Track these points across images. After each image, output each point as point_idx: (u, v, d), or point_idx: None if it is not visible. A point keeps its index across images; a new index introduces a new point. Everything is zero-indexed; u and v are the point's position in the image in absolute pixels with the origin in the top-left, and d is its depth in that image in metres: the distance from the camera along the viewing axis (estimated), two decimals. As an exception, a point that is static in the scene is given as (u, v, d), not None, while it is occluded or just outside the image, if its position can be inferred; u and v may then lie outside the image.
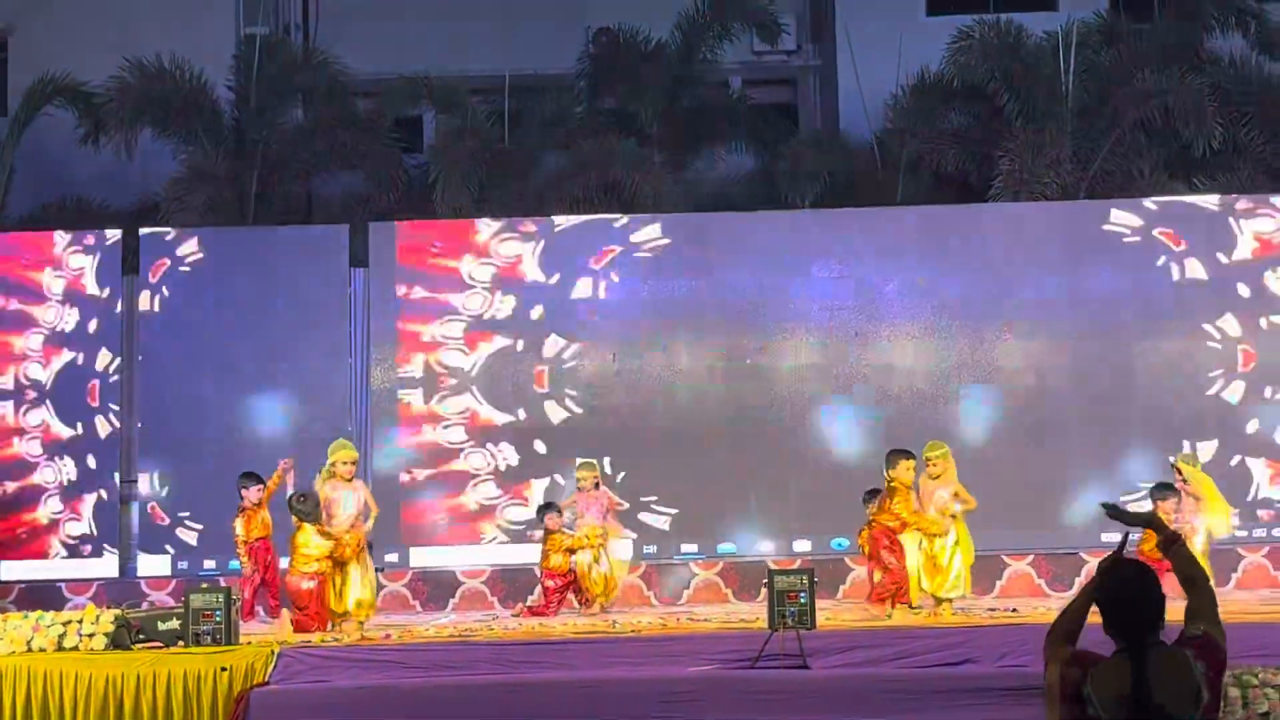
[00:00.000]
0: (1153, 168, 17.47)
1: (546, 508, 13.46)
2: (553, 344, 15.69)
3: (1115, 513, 5.24)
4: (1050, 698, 4.67)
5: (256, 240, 16.26)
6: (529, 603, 13.71)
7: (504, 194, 17.44)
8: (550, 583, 13.19)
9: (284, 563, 13.36)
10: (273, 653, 9.69)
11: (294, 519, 11.73)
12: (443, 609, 14.82)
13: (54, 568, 15.07)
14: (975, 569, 12.52)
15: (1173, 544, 4.97)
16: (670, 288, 15.83)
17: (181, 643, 10.00)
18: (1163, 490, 12.67)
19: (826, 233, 16.07)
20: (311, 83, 18.54)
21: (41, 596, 14.44)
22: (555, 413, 15.55)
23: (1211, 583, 4.91)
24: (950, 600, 11.84)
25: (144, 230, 16.07)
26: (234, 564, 13.88)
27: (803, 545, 15.21)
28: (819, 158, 18.20)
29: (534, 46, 19.32)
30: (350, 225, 16.22)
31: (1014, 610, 11.41)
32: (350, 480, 12.12)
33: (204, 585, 11.40)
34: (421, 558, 15.16)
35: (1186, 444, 14.73)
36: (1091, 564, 14.54)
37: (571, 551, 13.14)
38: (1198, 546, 12.59)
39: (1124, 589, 4.68)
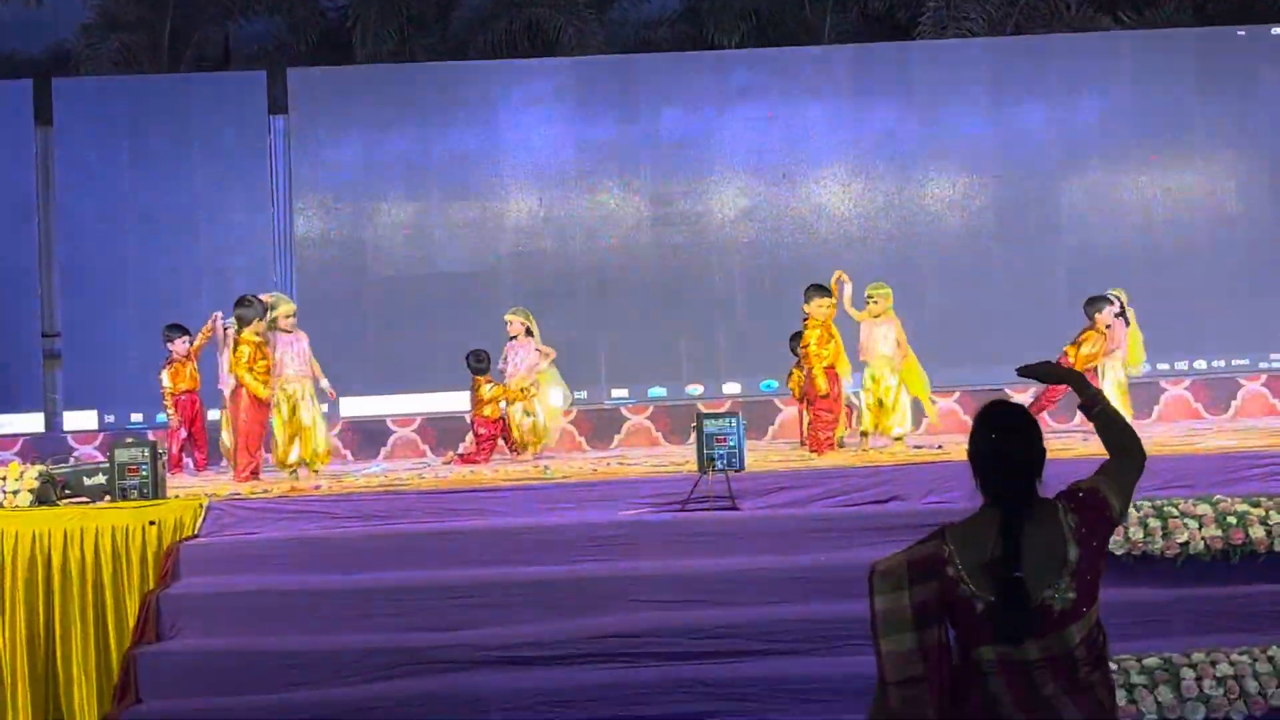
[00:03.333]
0: (1079, 2, 17.35)
1: (474, 355, 13.38)
2: (479, 190, 15.53)
3: (1029, 371, 4.73)
4: (892, 606, 4.16)
5: (171, 88, 15.84)
6: (460, 450, 13.71)
7: (425, 37, 17.12)
8: (481, 430, 13.18)
9: (213, 415, 13.41)
10: (201, 505, 9.63)
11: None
12: (374, 458, 14.81)
13: (-23, 424, 14.93)
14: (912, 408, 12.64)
15: (1095, 405, 4.53)
16: (596, 132, 15.68)
17: (109, 497, 9.93)
18: (1097, 303, 12.80)
19: (753, 74, 15.90)
20: (225, -78, 18.01)
21: (-34, 454, 14.33)
22: (482, 259, 15.45)
23: (1143, 451, 4.44)
24: (900, 438, 12.03)
25: (56, 80, 15.67)
26: (161, 417, 13.80)
27: (732, 388, 15.30)
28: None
29: (453, -122, 18.79)
30: (268, 72, 15.86)
31: (940, 447, 11.51)
32: (292, 331, 12.06)
33: (129, 439, 11.28)
34: (352, 407, 15.09)
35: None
36: (1017, 399, 14.73)
37: (503, 401, 13.14)
38: (1118, 377, 12.78)
39: (995, 433, 4.22)
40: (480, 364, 13.28)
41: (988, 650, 4.07)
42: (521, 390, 13.09)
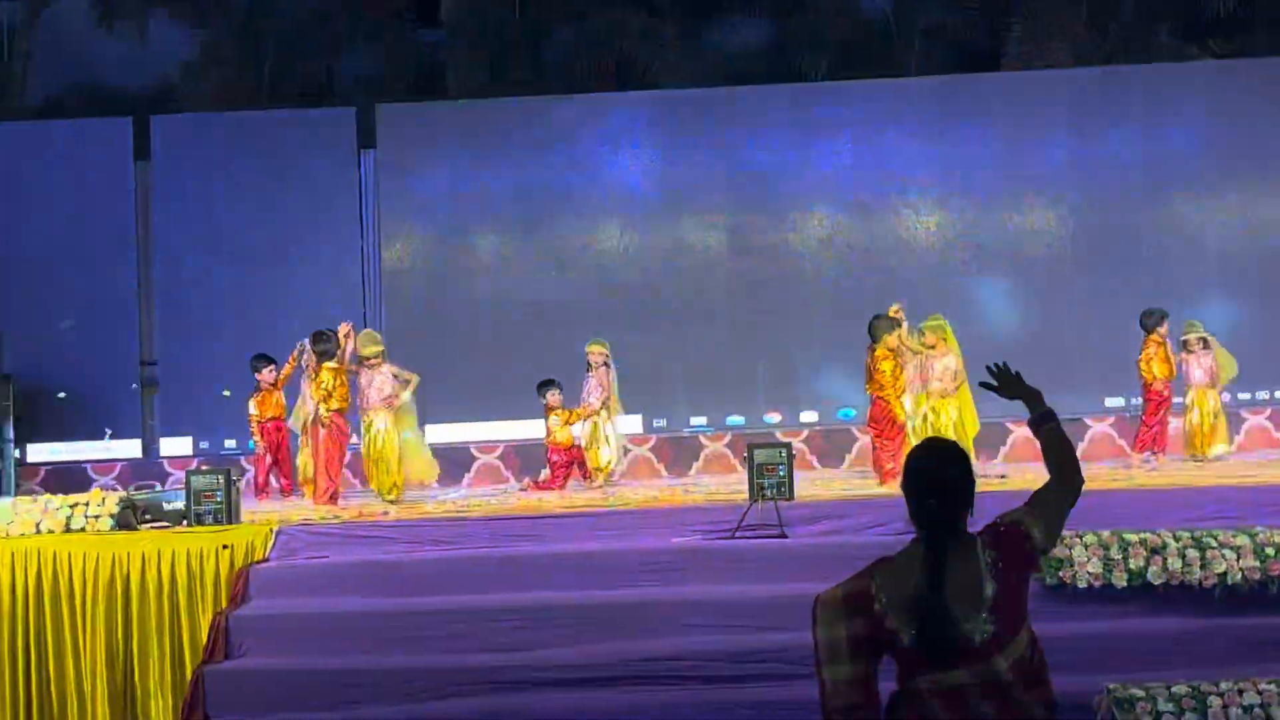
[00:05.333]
0: (1169, 32, 17.30)
1: (547, 385, 13.61)
2: (563, 222, 15.86)
3: (990, 381, 4.87)
4: (831, 637, 4.25)
5: (265, 124, 16.34)
6: (539, 478, 13.95)
7: (514, 72, 17.46)
8: (554, 457, 13.46)
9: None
10: (272, 530, 10.00)
11: None
12: (458, 484, 15.12)
13: (79, 449, 15.45)
14: (979, 437, 12.63)
15: (1045, 423, 4.58)
16: (679, 163, 15.92)
17: (185, 522, 10.33)
18: (1153, 316, 13.10)
19: (839, 105, 16.03)
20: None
21: (66, 478, 14.83)
22: (566, 290, 15.73)
23: (1080, 478, 4.52)
24: None
25: (156, 116, 16.25)
26: (253, 444, 14.23)
27: (810, 416, 15.43)
28: (833, 27, 18.07)
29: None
30: (359, 107, 16.31)
31: (1003, 477, 11.56)
32: (377, 365, 12.59)
33: (204, 466, 11.71)
34: (436, 434, 15.42)
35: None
36: (1095, 429, 14.72)
37: (571, 424, 13.38)
38: (1211, 403, 12.91)
39: (923, 468, 4.32)
40: (550, 392, 13.52)
41: (922, 680, 4.24)
42: (585, 417, 13.28)
